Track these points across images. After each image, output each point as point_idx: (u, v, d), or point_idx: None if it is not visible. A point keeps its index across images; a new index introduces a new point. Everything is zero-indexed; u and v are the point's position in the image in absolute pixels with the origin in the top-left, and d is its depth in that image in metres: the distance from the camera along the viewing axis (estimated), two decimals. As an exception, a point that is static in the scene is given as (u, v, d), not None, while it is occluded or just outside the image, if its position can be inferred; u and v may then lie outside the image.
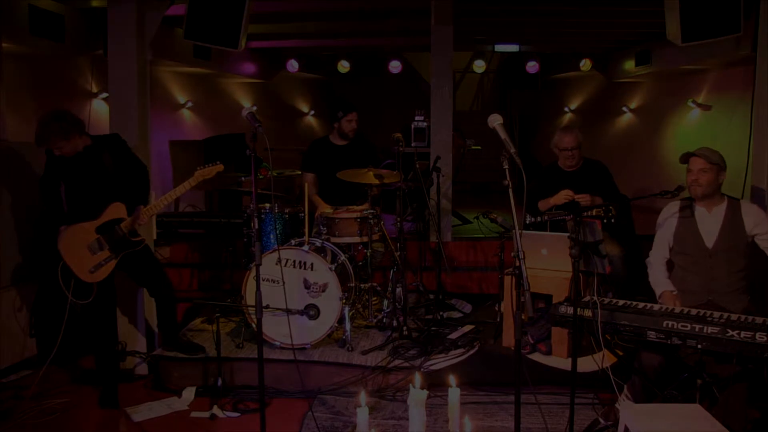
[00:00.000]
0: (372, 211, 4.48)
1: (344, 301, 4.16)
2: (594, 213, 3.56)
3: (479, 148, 9.01)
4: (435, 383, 3.71)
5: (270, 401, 3.81)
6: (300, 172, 5.50)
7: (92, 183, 3.81)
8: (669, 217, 3.54)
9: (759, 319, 2.87)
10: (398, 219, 4.43)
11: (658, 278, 3.53)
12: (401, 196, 4.40)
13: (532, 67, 9.38)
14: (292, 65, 9.27)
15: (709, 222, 3.41)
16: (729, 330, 2.78)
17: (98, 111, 6.15)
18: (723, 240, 3.36)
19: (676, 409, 2.71)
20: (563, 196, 4.31)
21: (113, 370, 3.96)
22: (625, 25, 7.11)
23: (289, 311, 3.97)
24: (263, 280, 3.72)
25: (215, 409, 3.70)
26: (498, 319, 4.40)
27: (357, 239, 4.48)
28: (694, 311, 3.06)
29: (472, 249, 5.96)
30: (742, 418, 2.94)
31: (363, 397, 2.23)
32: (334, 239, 4.47)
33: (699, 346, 2.84)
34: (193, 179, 3.88)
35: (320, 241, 4.41)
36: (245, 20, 4.09)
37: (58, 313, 3.90)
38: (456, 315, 4.97)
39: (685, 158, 3.42)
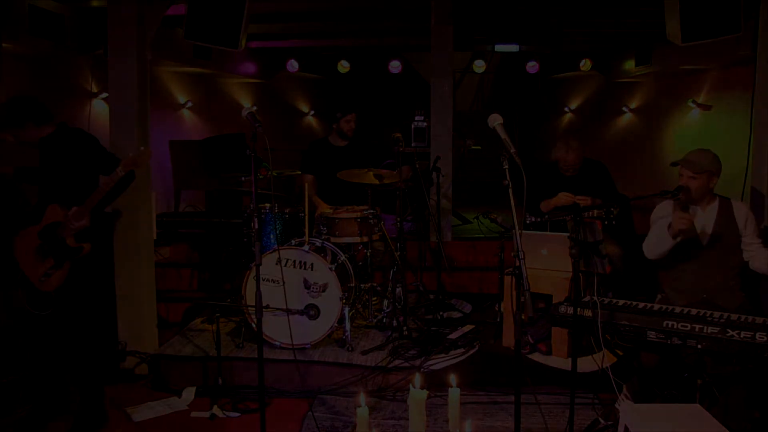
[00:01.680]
0: (372, 211, 4.48)
1: (344, 301, 4.15)
2: (595, 214, 3.56)
3: (479, 148, 9.02)
4: (435, 383, 3.71)
5: (270, 401, 3.81)
6: (299, 173, 5.51)
7: (43, 177, 3.49)
8: (662, 215, 3.54)
9: (759, 319, 2.87)
10: (398, 219, 4.43)
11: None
12: (401, 196, 4.41)
13: (532, 67, 9.38)
14: (292, 65, 9.28)
15: (702, 221, 3.43)
16: (729, 330, 2.78)
17: (98, 111, 6.15)
18: (716, 238, 3.38)
19: (676, 409, 2.71)
20: (563, 198, 4.31)
21: (95, 393, 3.55)
22: (625, 25, 7.11)
23: (289, 311, 3.97)
24: (263, 280, 3.72)
25: (215, 409, 3.70)
26: (498, 319, 4.41)
27: (357, 239, 4.48)
28: (694, 311, 3.06)
29: (472, 249, 5.96)
30: (742, 418, 2.95)
31: (363, 397, 2.23)
32: (334, 239, 4.46)
33: (699, 346, 2.84)
34: (120, 169, 3.39)
35: (320, 241, 4.40)
36: (245, 20, 4.09)
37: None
38: (456, 315, 4.97)
39: (676, 165, 3.44)
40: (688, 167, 3.36)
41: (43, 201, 3.48)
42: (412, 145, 6.90)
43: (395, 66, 9.47)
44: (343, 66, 9.51)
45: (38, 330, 3.48)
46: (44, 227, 3.41)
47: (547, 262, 4.10)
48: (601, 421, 3.30)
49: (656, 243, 3.43)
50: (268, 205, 4.55)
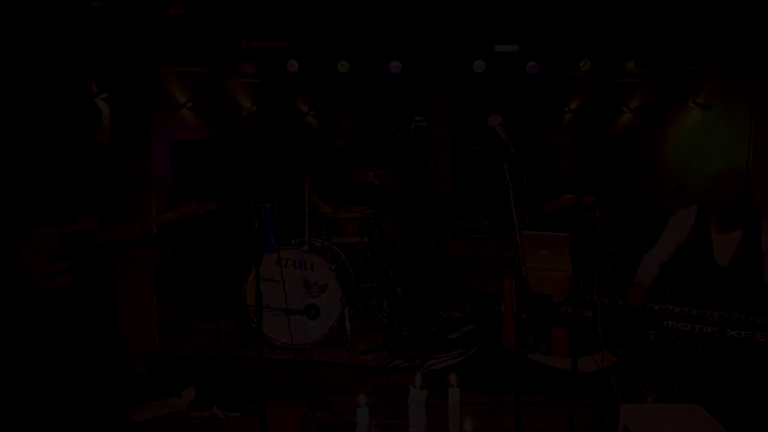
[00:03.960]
0: (372, 211, 4.48)
1: (344, 301, 4.16)
2: (597, 215, 3.56)
3: (479, 148, 9.00)
4: (435, 383, 3.70)
5: (270, 401, 3.81)
6: (298, 173, 5.50)
7: (63, 181, 3.56)
8: (684, 223, 3.40)
9: (759, 319, 2.87)
10: (398, 219, 4.44)
11: (645, 270, 3.48)
12: (401, 196, 4.41)
13: (532, 67, 9.37)
14: (292, 65, 9.26)
15: (726, 240, 3.27)
16: (729, 330, 2.79)
17: (98, 111, 6.14)
18: (737, 259, 3.25)
19: (676, 409, 2.71)
20: (568, 199, 4.29)
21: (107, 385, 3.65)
22: (626, 25, 7.11)
23: (289, 311, 3.97)
24: (263, 280, 3.72)
25: (215, 409, 3.70)
26: (498, 319, 4.41)
27: (357, 239, 4.48)
28: (694, 311, 3.06)
29: (472, 249, 5.97)
30: (742, 419, 2.94)
31: (363, 397, 2.23)
32: (334, 239, 4.47)
33: (699, 346, 2.84)
34: (178, 211, 3.69)
35: (320, 241, 4.41)
36: (245, 20, 4.09)
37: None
38: (456, 315, 4.98)
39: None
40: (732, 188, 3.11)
41: (59, 202, 3.52)
42: (412, 145, 6.90)
43: (395, 66, 9.46)
44: (343, 66, 9.50)
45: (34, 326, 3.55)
46: (72, 232, 3.50)
47: (547, 262, 4.10)
48: (602, 420, 3.30)
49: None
50: (268, 205, 4.55)
